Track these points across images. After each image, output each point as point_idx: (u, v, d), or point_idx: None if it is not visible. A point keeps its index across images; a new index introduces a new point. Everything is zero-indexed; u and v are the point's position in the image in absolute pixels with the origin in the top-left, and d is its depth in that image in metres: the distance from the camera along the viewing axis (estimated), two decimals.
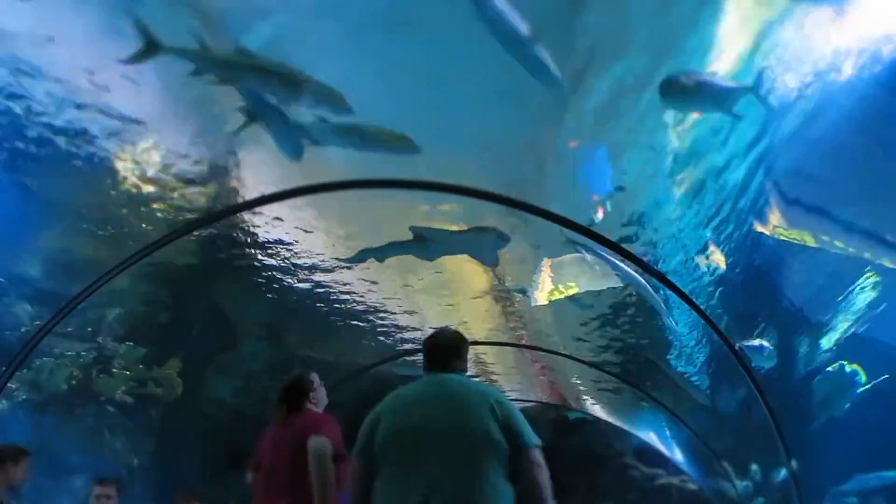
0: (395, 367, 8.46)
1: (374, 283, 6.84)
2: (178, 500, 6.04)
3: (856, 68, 3.85)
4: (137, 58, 3.55)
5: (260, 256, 6.09)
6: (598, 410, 10.61)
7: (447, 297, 6.98)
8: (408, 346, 8.08)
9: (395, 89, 4.09)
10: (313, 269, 6.41)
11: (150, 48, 3.55)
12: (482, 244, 5.92)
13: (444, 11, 3.55)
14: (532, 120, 4.33)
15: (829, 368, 5.96)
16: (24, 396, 6.32)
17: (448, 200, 5.25)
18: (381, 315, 7.45)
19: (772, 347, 5.67)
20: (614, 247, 5.29)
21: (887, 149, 4.31)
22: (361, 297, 7.04)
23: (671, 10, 3.62)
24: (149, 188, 4.83)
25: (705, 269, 5.58)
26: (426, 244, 5.98)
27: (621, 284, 6.26)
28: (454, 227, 5.64)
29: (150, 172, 4.69)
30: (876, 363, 6.17)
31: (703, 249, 5.38)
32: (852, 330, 5.75)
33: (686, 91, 3.72)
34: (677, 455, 10.29)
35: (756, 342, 5.63)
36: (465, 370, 2.98)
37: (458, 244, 6.01)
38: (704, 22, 3.65)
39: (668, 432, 9.78)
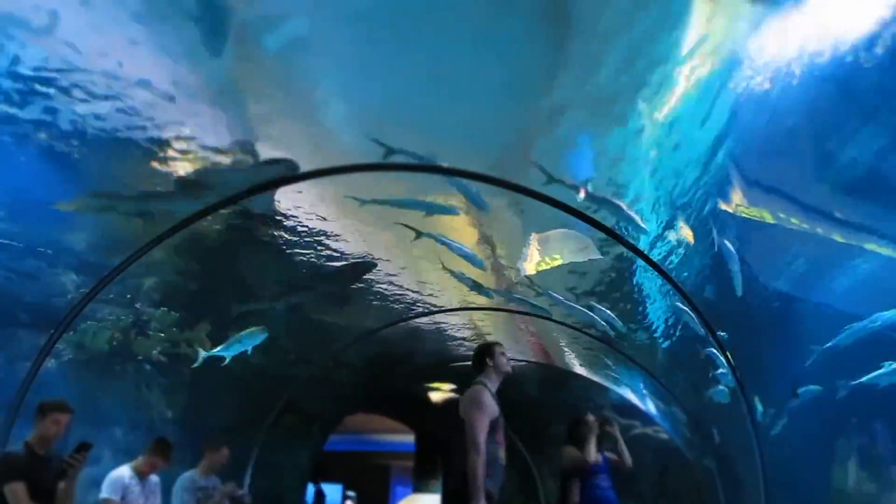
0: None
1: (380, 254, 7.00)
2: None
3: (808, 66, 3.98)
4: None
5: (279, 232, 6.23)
6: (579, 368, 10.81)
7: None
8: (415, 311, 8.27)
9: (398, 84, 4.22)
10: (327, 242, 6.56)
11: None
12: None
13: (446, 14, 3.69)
14: (522, 111, 4.49)
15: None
16: (70, 356, 6.51)
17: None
18: (388, 283, 7.61)
19: None
20: (594, 223, 5.49)
21: (836, 136, 4.45)
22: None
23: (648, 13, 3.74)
24: (182, 169, 4.95)
25: (674, 243, 5.77)
26: None
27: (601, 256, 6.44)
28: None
29: (184, 154, 4.80)
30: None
31: (673, 225, 5.56)
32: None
33: None
34: (650, 408, 10.51)
35: None
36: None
37: None
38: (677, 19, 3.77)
39: (642, 388, 9.99)
